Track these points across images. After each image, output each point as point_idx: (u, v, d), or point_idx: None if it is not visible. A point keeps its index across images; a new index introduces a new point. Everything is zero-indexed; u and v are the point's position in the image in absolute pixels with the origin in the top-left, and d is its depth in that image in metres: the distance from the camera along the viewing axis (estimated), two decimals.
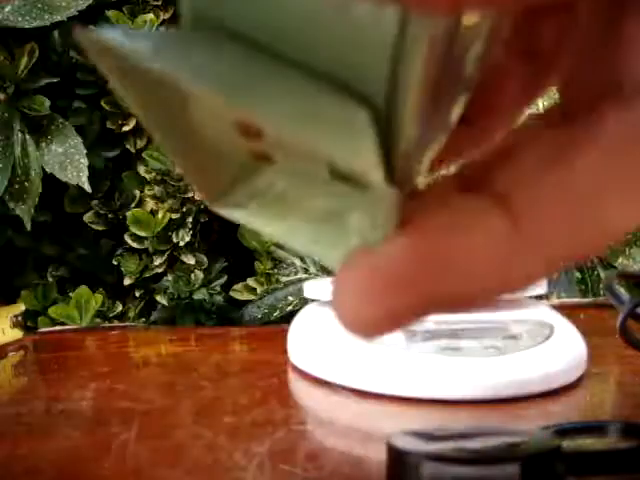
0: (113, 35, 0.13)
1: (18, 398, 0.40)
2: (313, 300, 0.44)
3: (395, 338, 0.35)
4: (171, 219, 0.80)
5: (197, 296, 0.80)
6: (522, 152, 0.13)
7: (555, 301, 0.72)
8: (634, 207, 0.13)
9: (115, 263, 0.83)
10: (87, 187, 0.75)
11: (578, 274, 0.82)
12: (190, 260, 0.82)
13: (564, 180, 0.13)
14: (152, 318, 0.82)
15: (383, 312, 0.12)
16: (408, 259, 0.12)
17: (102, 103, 0.79)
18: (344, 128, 0.12)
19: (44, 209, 0.80)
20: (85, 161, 0.75)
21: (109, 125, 0.81)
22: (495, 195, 0.13)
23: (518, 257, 0.13)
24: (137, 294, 0.83)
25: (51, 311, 0.77)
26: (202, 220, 0.84)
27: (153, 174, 0.80)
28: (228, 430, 0.30)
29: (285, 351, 0.43)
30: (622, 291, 0.35)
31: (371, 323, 0.12)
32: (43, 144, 0.76)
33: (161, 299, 0.81)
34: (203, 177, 0.16)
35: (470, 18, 0.13)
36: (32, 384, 0.44)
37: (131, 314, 0.82)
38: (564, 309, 0.41)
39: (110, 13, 0.78)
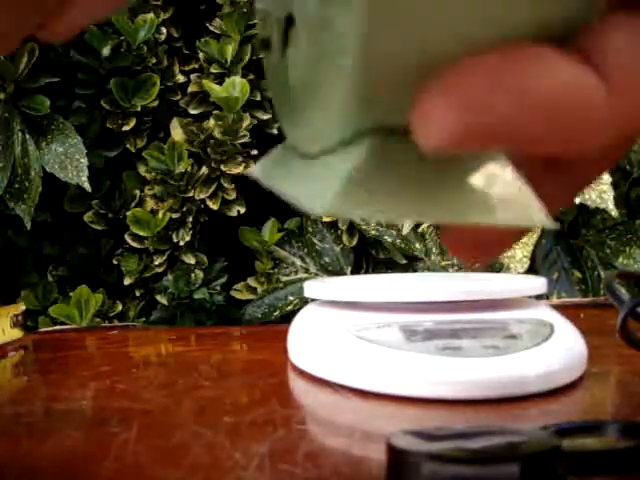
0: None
1: (18, 398, 0.40)
2: (313, 300, 0.44)
3: (395, 338, 0.35)
4: (171, 219, 0.80)
5: (197, 296, 0.80)
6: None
7: (555, 301, 0.72)
8: None
9: (115, 263, 0.83)
10: (87, 187, 0.75)
11: (578, 274, 0.82)
12: (190, 260, 0.81)
13: None
14: (152, 318, 0.82)
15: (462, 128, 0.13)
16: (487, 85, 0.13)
17: (102, 103, 0.79)
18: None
19: (44, 209, 0.80)
20: (85, 161, 0.75)
21: (109, 125, 0.80)
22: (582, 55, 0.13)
23: (611, 104, 0.13)
24: (137, 294, 0.83)
25: (51, 311, 0.77)
26: (202, 220, 0.83)
27: (153, 174, 0.80)
28: (228, 430, 0.30)
29: (285, 351, 0.43)
30: (622, 291, 0.35)
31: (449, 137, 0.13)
32: (43, 144, 0.76)
33: (161, 299, 0.81)
34: None
35: None
36: (32, 384, 0.44)
37: (131, 314, 0.82)
38: (564, 309, 0.41)
39: None
